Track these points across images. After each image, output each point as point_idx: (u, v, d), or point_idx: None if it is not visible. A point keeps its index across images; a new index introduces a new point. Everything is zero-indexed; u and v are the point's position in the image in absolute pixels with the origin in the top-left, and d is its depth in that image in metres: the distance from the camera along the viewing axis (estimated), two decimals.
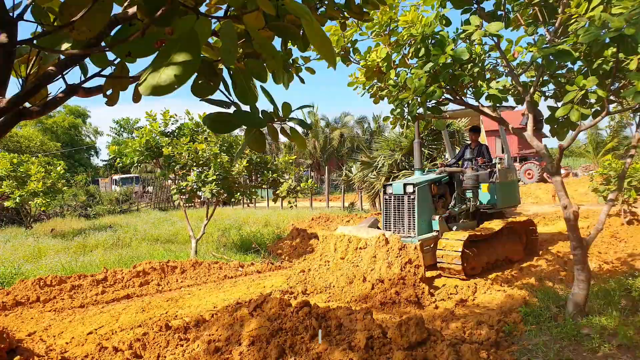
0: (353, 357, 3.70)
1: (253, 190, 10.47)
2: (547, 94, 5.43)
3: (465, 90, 5.31)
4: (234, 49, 1.11)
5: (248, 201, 20.51)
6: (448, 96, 5.23)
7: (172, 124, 10.56)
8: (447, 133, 10.57)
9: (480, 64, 4.91)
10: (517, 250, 8.35)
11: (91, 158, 48.22)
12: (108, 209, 25.35)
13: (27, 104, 1.99)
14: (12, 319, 5.96)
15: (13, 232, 15.71)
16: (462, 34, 4.40)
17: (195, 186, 9.31)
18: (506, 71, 5.31)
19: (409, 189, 7.71)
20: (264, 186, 10.85)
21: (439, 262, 7.19)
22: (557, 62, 4.23)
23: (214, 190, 8.99)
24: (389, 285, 6.22)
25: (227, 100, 2.20)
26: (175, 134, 10.43)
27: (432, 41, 4.59)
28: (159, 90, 0.93)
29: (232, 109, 2.13)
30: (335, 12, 3.23)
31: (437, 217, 7.61)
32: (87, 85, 2.33)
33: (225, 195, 9.62)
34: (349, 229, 7.72)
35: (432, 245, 7.32)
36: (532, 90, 4.86)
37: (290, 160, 10.88)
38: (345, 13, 3.35)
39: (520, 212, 16.84)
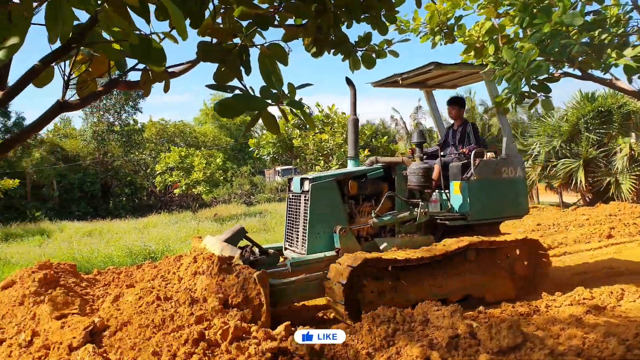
0: (431, 355, 3.47)
1: None
2: None
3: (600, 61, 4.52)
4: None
5: None
6: (570, 70, 4.53)
7: None
8: (435, 107, 7.10)
9: (612, 30, 4.15)
10: (498, 287, 5.27)
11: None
12: (267, 197, 27.62)
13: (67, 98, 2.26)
14: None
15: (183, 215, 18.22)
16: None
17: None
18: None
19: (305, 185, 5.36)
20: None
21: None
22: None
23: None
24: (203, 349, 3.28)
25: (238, 86, 2.24)
26: (307, 126, 10.89)
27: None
28: None
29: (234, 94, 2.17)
30: None
31: (338, 229, 5.08)
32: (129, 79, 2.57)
33: None
34: (214, 240, 5.33)
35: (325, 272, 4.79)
36: None
37: None
38: None
39: None
